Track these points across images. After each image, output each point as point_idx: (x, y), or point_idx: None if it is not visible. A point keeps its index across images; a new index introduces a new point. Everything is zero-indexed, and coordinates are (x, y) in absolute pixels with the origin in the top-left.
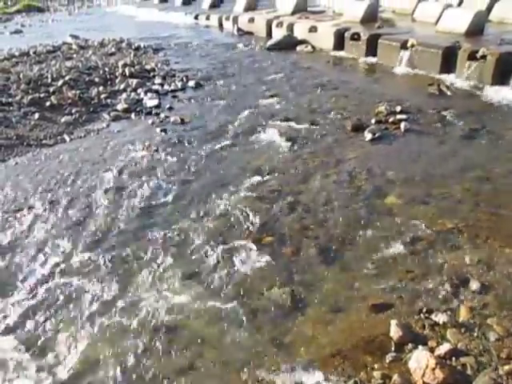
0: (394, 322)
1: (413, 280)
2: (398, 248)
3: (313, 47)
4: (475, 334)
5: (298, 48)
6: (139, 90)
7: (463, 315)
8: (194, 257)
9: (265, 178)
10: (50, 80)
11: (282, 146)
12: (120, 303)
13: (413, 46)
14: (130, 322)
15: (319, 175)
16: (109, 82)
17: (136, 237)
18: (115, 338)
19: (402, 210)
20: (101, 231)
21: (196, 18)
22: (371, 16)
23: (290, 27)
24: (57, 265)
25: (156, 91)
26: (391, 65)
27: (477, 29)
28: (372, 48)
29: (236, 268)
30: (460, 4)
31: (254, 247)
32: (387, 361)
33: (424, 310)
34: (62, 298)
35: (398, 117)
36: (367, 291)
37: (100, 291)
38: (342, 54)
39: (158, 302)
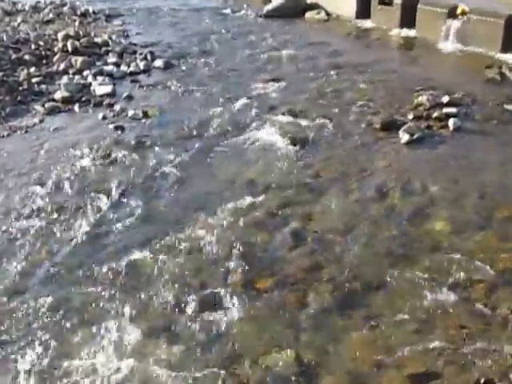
0: None
1: (467, 339)
2: (446, 294)
3: (327, 14)
4: None
5: (307, 15)
6: (86, 72)
7: None
8: (160, 308)
9: (260, 197)
10: None
11: (284, 150)
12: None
13: (464, 13)
14: None
15: (336, 192)
16: (44, 61)
17: (76, 278)
18: None
19: (452, 241)
20: (28, 268)
21: None
22: None
23: None
24: None
25: (109, 74)
26: (435, 39)
27: None
28: (409, 16)
29: (220, 323)
30: None
31: (246, 294)
32: None
33: (482, 382)
34: None
35: (445, 111)
36: (404, 355)
37: (36, 353)
38: (367, 23)
39: (110, 370)
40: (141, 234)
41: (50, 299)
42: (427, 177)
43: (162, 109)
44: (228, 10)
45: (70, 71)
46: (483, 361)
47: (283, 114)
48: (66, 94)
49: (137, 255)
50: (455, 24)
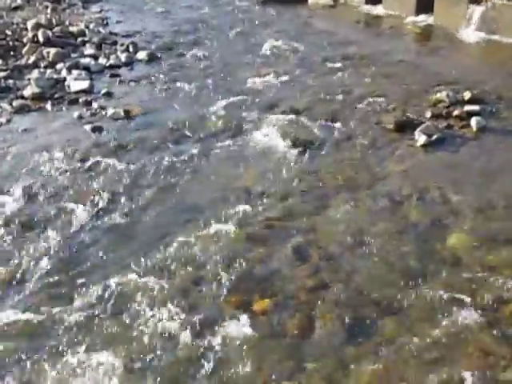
0: None
1: (494, 367)
2: (469, 316)
3: None
4: None
5: (311, 0)
6: (59, 66)
7: None
8: (145, 334)
9: (258, 207)
10: None
11: (284, 153)
12: None
13: None
14: None
15: (344, 201)
16: (11, 53)
17: (48, 302)
18: None
19: (475, 256)
20: None
21: None
22: None
23: None
24: None
25: (86, 67)
26: (455, 27)
27: None
28: (425, 1)
29: (212, 352)
30: None
31: (241, 317)
32: None
33: None
34: None
35: (467, 108)
36: None
37: None
38: (378, 9)
39: None
40: (122, 250)
41: (18, 324)
42: (447, 184)
43: (146, 107)
44: None
45: (42, 64)
46: None
47: (283, 112)
48: (37, 91)
49: (117, 275)
50: (478, 10)
